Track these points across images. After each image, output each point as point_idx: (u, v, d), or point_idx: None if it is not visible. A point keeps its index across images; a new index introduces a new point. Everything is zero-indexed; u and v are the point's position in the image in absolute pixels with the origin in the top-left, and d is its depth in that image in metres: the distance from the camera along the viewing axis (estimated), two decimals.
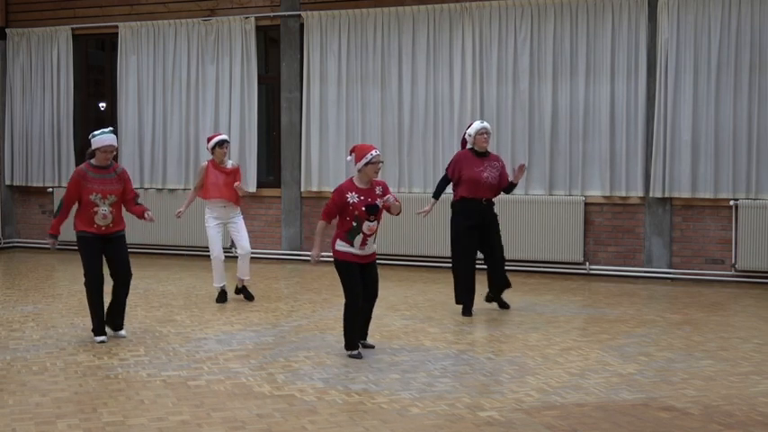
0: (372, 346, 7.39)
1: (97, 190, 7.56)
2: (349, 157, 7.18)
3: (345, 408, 5.81)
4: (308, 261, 12.53)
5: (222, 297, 9.61)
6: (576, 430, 5.37)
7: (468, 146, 8.98)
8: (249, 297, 9.72)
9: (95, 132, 7.69)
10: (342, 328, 7.20)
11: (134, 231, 13.47)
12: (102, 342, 7.61)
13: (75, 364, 6.90)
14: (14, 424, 5.45)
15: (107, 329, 7.79)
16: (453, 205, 9.01)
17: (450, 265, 9.09)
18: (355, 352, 7.12)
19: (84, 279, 7.73)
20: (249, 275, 9.74)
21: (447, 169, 9.07)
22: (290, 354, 7.26)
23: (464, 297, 8.92)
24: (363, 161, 7.04)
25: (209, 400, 5.96)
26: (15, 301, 9.70)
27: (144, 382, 6.43)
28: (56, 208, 7.83)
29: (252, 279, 11.20)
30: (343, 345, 7.24)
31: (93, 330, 7.76)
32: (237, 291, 9.77)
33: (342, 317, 7.14)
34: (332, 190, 12.39)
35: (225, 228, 9.61)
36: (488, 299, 9.26)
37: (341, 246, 7.05)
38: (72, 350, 7.37)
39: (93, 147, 7.62)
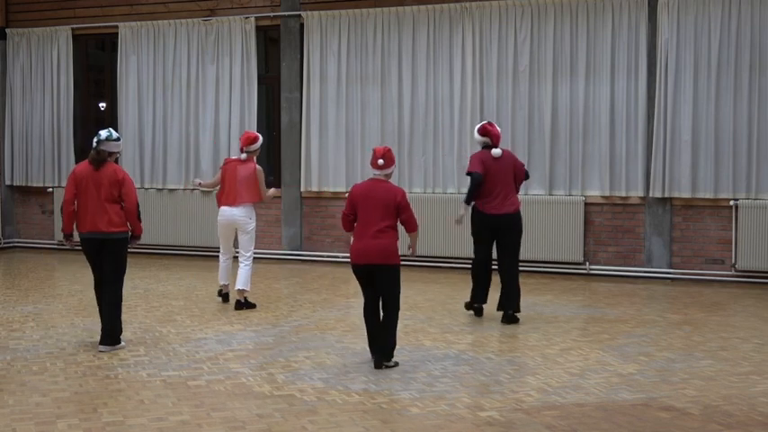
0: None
1: None
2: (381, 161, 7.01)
3: (345, 408, 5.81)
4: (308, 261, 12.52)
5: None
6: (576, 430, 5.37)
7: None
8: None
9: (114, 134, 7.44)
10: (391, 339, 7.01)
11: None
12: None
13: (75, 364, 6.90)
14: (14, 424, 5.46)
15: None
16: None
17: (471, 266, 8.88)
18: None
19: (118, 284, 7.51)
20: None
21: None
22: (290, 354, 7.27)
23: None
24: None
25: (209, 400, 5.96)
26: (15, 301, 9.70)
27: (144, 382, 6.43)
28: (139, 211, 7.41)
29: (253, 279, 11.20)
30: (351, 345, 7.24)
31: (120, 337, 7.51)
32: (225, 296, 9.58)
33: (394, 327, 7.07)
34: (331, 190, 12.57)
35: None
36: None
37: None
38: (72, 350, 7.37)
39: (117, 150, 7.44)
